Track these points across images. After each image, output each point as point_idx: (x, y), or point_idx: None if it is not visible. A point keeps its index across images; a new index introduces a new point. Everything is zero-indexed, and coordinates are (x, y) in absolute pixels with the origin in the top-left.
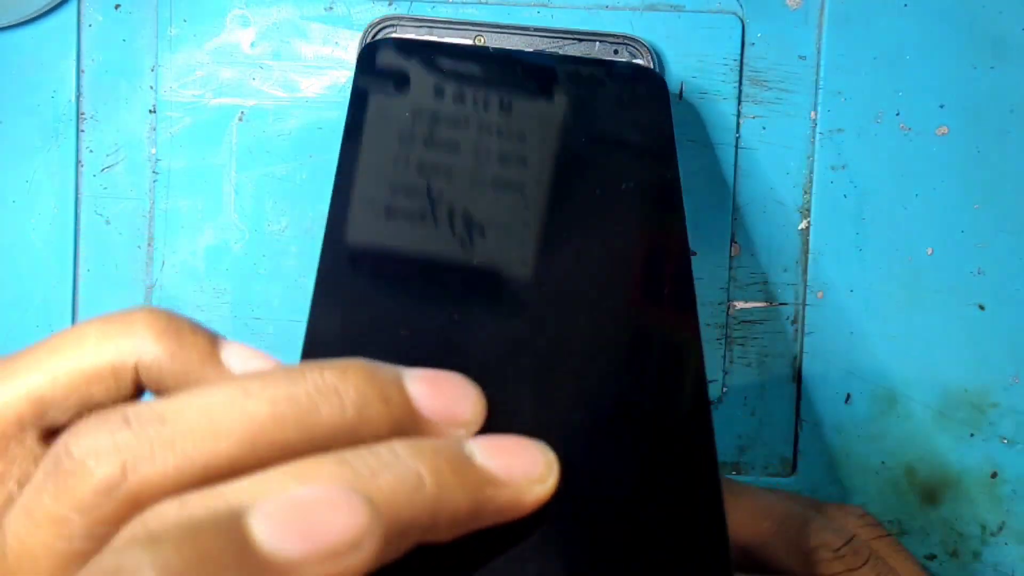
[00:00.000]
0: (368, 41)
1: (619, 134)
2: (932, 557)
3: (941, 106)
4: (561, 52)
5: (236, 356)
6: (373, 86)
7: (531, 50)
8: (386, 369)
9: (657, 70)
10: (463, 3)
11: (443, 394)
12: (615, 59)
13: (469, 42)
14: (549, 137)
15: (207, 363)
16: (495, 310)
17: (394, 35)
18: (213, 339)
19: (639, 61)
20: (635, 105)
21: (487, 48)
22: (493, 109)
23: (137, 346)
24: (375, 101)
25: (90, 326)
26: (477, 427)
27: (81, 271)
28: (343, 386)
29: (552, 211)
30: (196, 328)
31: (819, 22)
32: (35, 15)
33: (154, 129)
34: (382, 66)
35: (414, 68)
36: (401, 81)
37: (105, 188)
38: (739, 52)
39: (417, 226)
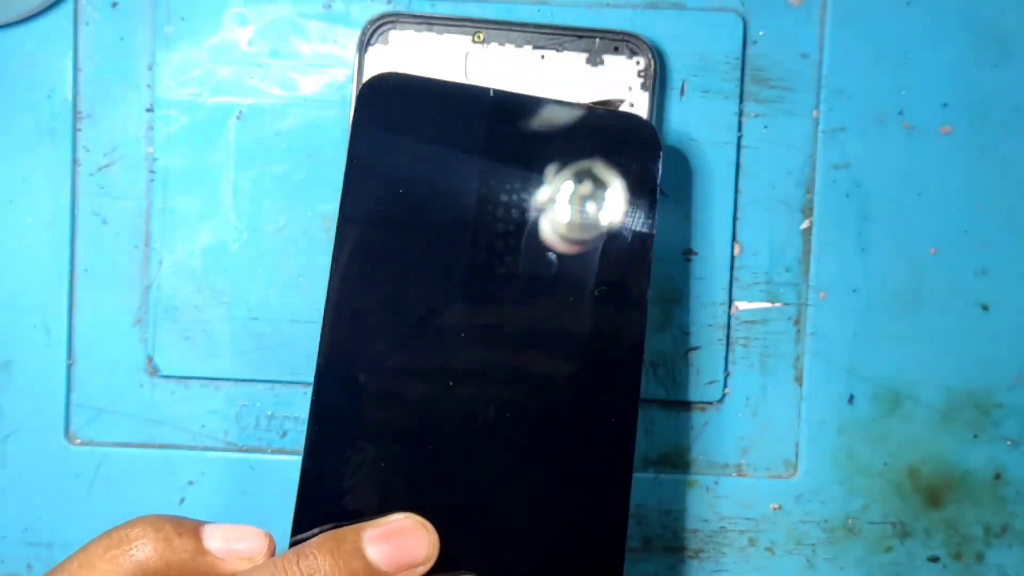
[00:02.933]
0: (366, 81)
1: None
2: (935, 559)
3: (944, 105)
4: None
5: (218, 539)
6: (372, 132)
7: (534, 94)
8: (349, 540)
9: (657, 69)
10: (463, 0)
11: (398, 549)
12: (615, 110)
13: (468, 39)
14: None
15: (197, 556)
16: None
17: (392, 71)
18: (196, 533)
19: (638, 58)
20: (622, 167)
21: (487, 90)
22: (485, 159)
23: (140, 566)
24: (374, 151)
25: (95, 553)
26: (431, 563)
27: (78, 271)
28: (315, 571)
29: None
30: (180, 528)
31: (821, 20)
32: (32, 13)
33: (151, 128)
34: (381, 112)
35: (412, 112)
36: (400, 127)
37: (102, 187)
38: (741, 50)
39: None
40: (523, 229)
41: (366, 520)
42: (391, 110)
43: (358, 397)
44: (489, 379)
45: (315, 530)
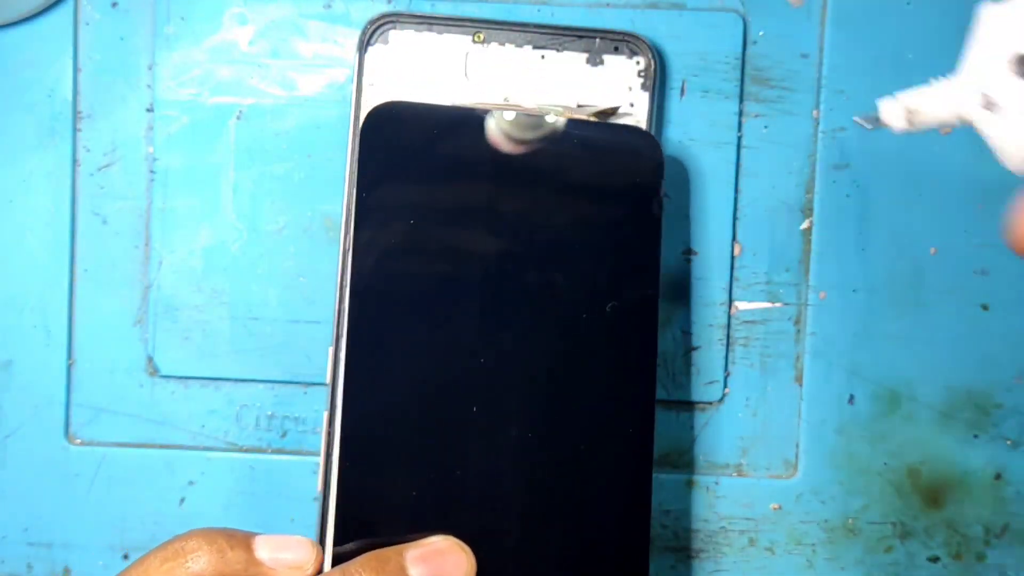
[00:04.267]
0: (368, 113)
1: (604, 222)
2: (935, 559)
3: None
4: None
5: (268, 549)
6: (379, 165)
7: (535, 112)
8: (393, 561)
9: (657, 69)
10: (463, 0)
11: (439, 569)
12: (615, 123)
13: (468, 39)
14: (533, 218)
15: (249, 567)
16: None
17: (392, 101)
18: (247, 544)
19: (638, 58)
20: (624, 182)
21: (488, 112)
22: (492, 184)
23: None
24: (382, 184)
25: (152, 565)
26: None
27: (78, 271)
28: None
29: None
30: (232, 541)
31: (821, 20)
32: (32, 13)
33: (151, 128)
34: (385, 144)
35: (416, 141)
36: (405, 157)
37: (102, 187)
38: (741, 50)
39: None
40: (533, 249)
41: (402, 539)
42: (395, 141)
43: (384, 423)
44: (510, 400)
45: (351, 544)
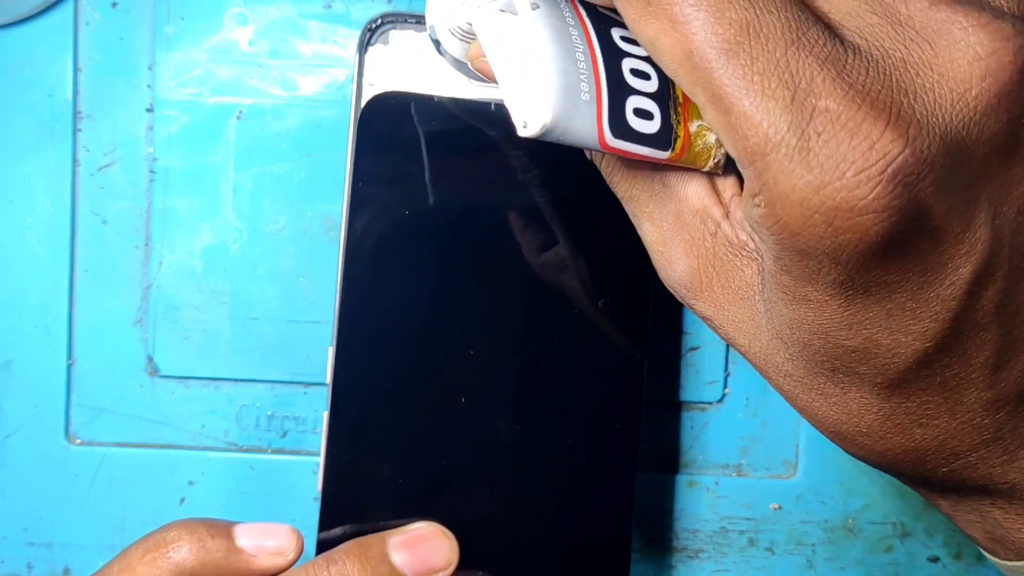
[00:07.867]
0: (366, 103)
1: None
2: (935, 559)
3: None
4: None
5: (249, 537)
6: (375, 155)
7: None
8: (375, 547)
9: None
10: None
11: (421, 555)
12: None
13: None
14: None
15: (230, 555)
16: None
17: (391, 91)
18: (228, 533)
19: None
20: None
21: (488, 104)
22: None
23: (177, 567)
24: (378, 174)
25: (134, 557)
26: (452, 569)
27: (78, 271)
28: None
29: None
30: (213, 530)
31: None
32: (32, 13)
33: (151, 128)
34: (382, 134)
35: (414, 131)
36: (402, 147)
37: (102, 187)
38: None
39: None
40: (527, 242)
41: (388, 526)
42: (393, 131)
43: (373, 412)
44: (498, 392)
45: (336, 531)
